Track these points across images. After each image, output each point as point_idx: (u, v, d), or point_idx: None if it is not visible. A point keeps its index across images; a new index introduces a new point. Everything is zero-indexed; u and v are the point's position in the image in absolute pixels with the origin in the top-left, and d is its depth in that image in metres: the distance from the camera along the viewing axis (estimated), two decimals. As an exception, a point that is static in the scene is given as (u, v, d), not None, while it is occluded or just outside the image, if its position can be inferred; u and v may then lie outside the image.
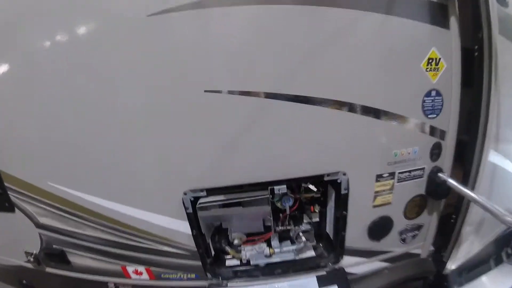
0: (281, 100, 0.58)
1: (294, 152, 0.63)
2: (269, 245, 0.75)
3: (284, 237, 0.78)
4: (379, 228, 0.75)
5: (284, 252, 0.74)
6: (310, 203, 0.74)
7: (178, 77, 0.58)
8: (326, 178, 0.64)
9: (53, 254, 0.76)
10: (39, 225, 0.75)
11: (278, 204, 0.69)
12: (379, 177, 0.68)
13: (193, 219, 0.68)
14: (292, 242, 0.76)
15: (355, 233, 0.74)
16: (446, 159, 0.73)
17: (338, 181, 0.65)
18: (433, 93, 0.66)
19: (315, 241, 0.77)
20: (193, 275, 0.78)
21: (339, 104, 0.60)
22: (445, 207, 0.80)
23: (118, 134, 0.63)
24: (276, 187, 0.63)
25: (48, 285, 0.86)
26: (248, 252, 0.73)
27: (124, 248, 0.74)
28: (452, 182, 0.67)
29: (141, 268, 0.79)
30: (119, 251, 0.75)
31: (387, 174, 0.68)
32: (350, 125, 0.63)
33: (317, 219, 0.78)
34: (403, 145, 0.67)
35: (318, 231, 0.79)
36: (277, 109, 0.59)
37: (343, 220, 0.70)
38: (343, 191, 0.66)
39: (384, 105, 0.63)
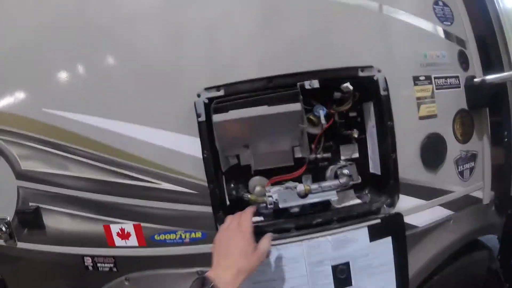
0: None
1: (323, 38, 0.55)
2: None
3: (319, 177, 0.60)
4: (433, 150, 0.61)
5: (324, 189, 0.55)
6: (347, 126, 0.60)
7: None
8: (360, 74, 0.54)
9: (27, 216, 0.61)
10: (20, 175, 0.62)
11: (311, 116, 0.55)
12: (416, 79, 0.60)
13: (205, 132, 0.51)
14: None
15: (408, 158, 0.59)
16: (476, 68, 0.69)
17: (375, 78, 0.55)
18: (440, 2, 0.68)
19: (360, 179, 0.59)
20: (199, 234, 0.54)
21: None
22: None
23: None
24: (306, 82, 0.52)
25: (17, 273, 0.69)
26: (274, 193, 0.53)
27: (112, 191, 0.55)
28: (490, 77, 0.63)
29: (129, 227, 0.55)
30: (104, 197, 0.55)
31: (423, 77, 0.61)
32: (377, 23, 0.59)
33: (357, 155, 0.62)
34: (430, 47, 0.63)
35: (360, 170, 0.60)
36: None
37: (391, 134, 0.56)
38: (382, 92, 0.55)
39: (403, 6, 0.61)
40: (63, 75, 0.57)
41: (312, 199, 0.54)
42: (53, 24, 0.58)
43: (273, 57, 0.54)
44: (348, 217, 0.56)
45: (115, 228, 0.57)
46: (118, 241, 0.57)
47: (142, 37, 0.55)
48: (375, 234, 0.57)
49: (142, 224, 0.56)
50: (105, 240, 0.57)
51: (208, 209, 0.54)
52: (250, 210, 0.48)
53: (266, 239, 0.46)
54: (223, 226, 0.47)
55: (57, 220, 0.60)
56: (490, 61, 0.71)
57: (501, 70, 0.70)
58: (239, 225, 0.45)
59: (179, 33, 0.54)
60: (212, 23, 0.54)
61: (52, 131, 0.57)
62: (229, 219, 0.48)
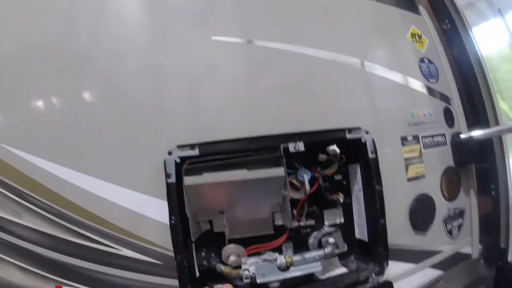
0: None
1: (309, 97, 0.52)
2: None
3: (301, 245, 0.54)
4: (422, 212, 0.58)
5: (308, 260, 0.49)
6: (331, 190, 0.55)
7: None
8: (348, 136, 0.51)
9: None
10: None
11: (294, 180, 0.51)
12: (404, 140, 0.58)
13: (174, 195, 0.45)
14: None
15: (397, 222, 0.56)
16: (461, 124, 0.69)
17: (363, 140, 0.52)
18: (426, 60, 0.68)
19: (346, 248, 0.54)
20: None
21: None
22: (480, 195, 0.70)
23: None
24: (290, 145, 0.48)
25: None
26: (251, 265, 0.47)
27: (67, 251, 0.48)
28: (476, 133, 0.63)
29: None
30: (58, 256, 0.48)
31: (411, 137, 0.59)
32: (365, 82, 0.57)
33: (342, 220, 0.57)
34: (417, 105, 0.62)
35: (345, 236, 0.56)
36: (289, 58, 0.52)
37: (379, 199, 0.52)
38: (370, 155, 0.52)
39: (389, 65, 0.61)
40: (31, 109, 0.50)
41: (294, 272, 0.48)
42: (25, 47, 0.51)
43: (255, 116, 0.50)
44: (334, 290, 0.50)
45: None
46: (69, 309, 0.49)
47: (121, 76, 0.50)
48: (363, 305, 0.52)
49: None
50: (56, 304, 0.49)
51: (175, 283, 0.47)
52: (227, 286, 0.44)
53: None
54: None
55: (8, 272, 0.51)
56: (476, 116, 0.72)
57: (486, 124, 0.70)
58: None
59: (159, 80, 0.50)
60: (194, 75, 0.51)
61: (9, 171, 0.49)
62: None
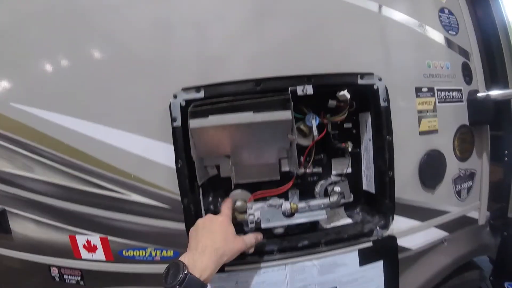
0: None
1: (319, 40, 0.49)
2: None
3: (307, 193, 0.54)
4: (432, 168, 0.57)
5: (313, 208, 0.49)
6: (340, 138, 0.54)
7: None
8: (359, 81, 0.48)
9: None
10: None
11: (302, 125, 0.49)
12: (418, 91, 0.55)
13: (180, 139, 0.44)
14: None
15: (405, 176, 0.54)
16: (479, 82, 0.65)
17: (375, 87, 0.49)
18: (446, 10, 0.63)
19: (352, 198, 0.53)
20: (171, 252, 0.48)
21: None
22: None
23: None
24: (299, 88, 0.46)
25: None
26: (256, 210, 0.47)
27: (78, 199, 0.49)
28: (494, 92, 0.60)
29: (95, 239, 0.50)
30: (70, 205, 0.50)
31: (426, 89, 0.56)
32: (381, 28, 0.53)
33: (350, 170, 0.56)
34: (434, 56, 0.58)
35: (352, 186, 0.55)
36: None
37: (389, 150, 0.51)
38: (382, 103, 0.50)
39: (407, 12, 0.56)
40: (36, 68, 0.50)
41: (298, 219, 0.48)
42: (29, 11, 0.50)
43: (263, 56, 0.47)
44: (337, 240, 0.50)
45: (81, 240, 0.51)
46: (84, 254, 0.52)
47: (123, 28, 0.48)
48: (366, 258, 0.52)
49: (109, 238, 0.51)
50: (71, 252, 0.52)
51: (182, 226, 0.48)
52: (228, 200, 0.47)
53: (253, 234, 0.44)
54: (199, 219, 0.43)
55: (23, 226, 0.54)
56: (495, 75, 0.68)
57: (505, 85, 0.66)
58: (219, 214, 0.43)
59: (163, 26, 0.48)
60: (199, 19, 0.48)
61: (19, 128, 0.50)
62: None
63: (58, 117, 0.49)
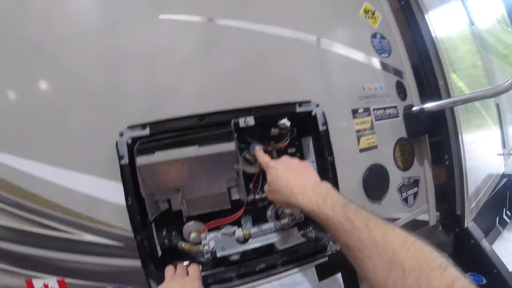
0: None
1: (260, 73, 0.53)
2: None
3: (260, 218, 0.56)
4: (375, 181, 0.61)
5: (265, 232, 0.51)
6: None
7: None
8: (298, 110, 0.53)
9: None
10: None
11: (247, 155, 0.52)
12: (355, 112, 0.61)
13: (128, 176, 0.45)
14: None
15: (351, 191, 0.59)
16: (414, 97, 0.72)
17: (313, 113, 0.54)
18: (378, 35, 0.71)
19: (302, 218, 0.56)
20: None
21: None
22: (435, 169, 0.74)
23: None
24: (241, 119, 0.49)
25: None
26: (211, 240, 0.49)
27: (30, 242, 0.47)
28: (428, 105, 0.65)
29: (53, 282, 0.48)
30: (23, 248, 0.47)
31: (362, 110, 0.62)
32: (315, 56, 0.59)
33: None
34: (368, 79, 0.65)
35: None
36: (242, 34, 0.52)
37: (332, 169, 0.55)
38: (321, 127, 0.54)
39: (341, 39, 0.63)
40: None
41: (252, 244, 0.50)
42: None
43: (208, 90, 0.50)
44: (294, 259, 0.53)
45: (38, 284, 0.49)
46: (41, 297, 0.49)
47: (70, 61, 0.49)
48: (324, 273, 0.55)
49: (67, 280, 0.49)
50: (28, 297, 0.49)
51: (137, 263, 0.48)
52: (195, 265, 0.48)
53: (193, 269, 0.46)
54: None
55: None
56: (428, 89, 0.75)
57: (438, 96, 0.74)
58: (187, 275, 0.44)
59: (110, 63, 0.49)
60: (146, 52, 0.50)
61: None
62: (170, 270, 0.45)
63: (3, 157, 0.47)
